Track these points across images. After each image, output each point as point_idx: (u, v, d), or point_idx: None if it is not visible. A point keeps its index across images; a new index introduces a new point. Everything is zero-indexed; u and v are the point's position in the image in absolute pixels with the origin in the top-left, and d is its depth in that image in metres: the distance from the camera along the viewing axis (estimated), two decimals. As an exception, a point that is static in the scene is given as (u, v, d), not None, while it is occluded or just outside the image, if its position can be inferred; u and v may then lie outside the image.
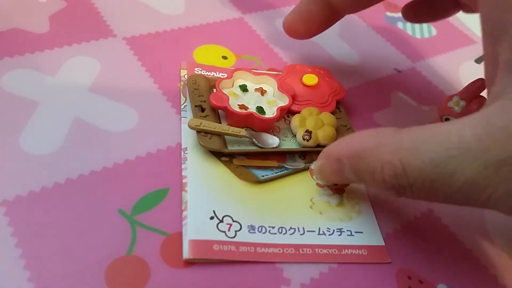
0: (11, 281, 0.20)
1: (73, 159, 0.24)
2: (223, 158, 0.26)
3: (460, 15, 0.33)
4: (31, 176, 0.23)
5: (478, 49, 0.41)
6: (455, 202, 0.19)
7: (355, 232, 0.25)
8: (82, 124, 0.26)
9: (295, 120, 0.28)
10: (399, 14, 0.41)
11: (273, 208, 0.25)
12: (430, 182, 0.19)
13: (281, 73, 0.31)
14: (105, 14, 0.33)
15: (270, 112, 0.28)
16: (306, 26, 0.31)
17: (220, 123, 0.27)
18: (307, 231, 0.24)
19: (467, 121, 0.19)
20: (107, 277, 0.21)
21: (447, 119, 0.30)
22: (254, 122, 0.27)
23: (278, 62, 0.34)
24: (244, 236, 0.23)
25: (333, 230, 0.25)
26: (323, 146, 0.27)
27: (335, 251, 0.24)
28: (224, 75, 0.31)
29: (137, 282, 0.21)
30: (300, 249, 0.23)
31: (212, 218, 0.23)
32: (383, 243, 0.25)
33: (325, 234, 0.24)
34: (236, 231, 0.23)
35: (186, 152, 0.26)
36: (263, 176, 0.26)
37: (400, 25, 0.42)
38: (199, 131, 0.26)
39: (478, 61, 0.39)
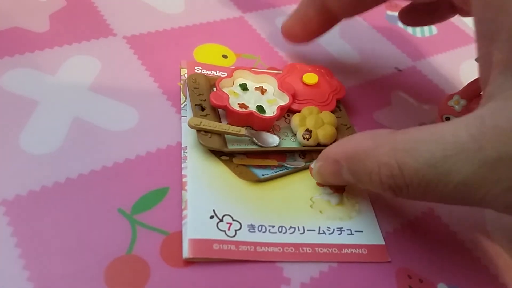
0: (11, 280, 0.20)
1: (73, 158, 0.24)
2: (223, 157, 0.26)
3: (461, 14, 0.33)
4: (31, 176, 0.23)
5: (478, 48, 0.41)
6: (451, 201, 0.20)
7: (355, 231, 0.25)
8: (82, 123, 0.26)
9: (295, 119, 0.28)
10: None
11: (273, 207, 0.25)
12: (426, 182, 0.19)
13: (281, 72, 0.31)
14: (105, 13, 0.33)
15: (270, 111, 0.27)
16: (304, 31, 0.31)
17: (220, 122, 0.27)
18: (307, 230, 0.24)
19: (462, 121, 0.19)
20: (106, 277, 0.21)
21: (447, 118, 0.30)
22: (254, 121, 0.27)
23: (278, 61, 0.34)
24: (244, 235, 0.23)
25: (333, 229, 0.25)
26: (323, 145, 0.27)
27: (335, 250, 0.24)
28: (224, 74, 0.31)
29: (137, 282, 0.21)
30: (300, 248, 0.23)
31: (212, 217, 0.23)
32: (383, 242, 0.25)
33: (325, 233, 0.24)
34: (236, 230, 0.23)
35: (186, 151, 0.26)
36: (263, 175, 0.26)
37: (400, 24, 0.42)
38: (199, 130, 0.26)
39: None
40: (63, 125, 0.26)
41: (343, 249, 0.24)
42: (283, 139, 0.27)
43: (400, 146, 0.20)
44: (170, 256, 0.22)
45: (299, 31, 0.31)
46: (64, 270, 0.20)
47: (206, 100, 0.28)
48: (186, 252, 0.22)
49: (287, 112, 0.29)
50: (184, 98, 0.29)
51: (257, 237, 0.23)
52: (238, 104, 0.27)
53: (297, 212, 0.25)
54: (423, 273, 0.24)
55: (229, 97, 0.27)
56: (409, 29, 0.42)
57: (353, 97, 0.33)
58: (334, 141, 0.27)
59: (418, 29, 0.42)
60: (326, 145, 0.26)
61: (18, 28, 0.30)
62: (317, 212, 0.25)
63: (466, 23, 0.44)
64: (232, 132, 0.26)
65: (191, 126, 0.25)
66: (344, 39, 0.38)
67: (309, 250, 0.24)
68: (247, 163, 0.26)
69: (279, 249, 0.23)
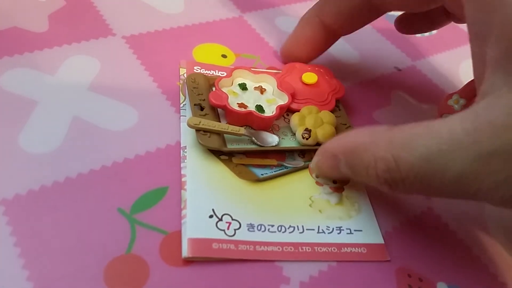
0: (10, 280, 0.20)
1: (72, 158, 0.24)
2: (223, 157, 0.26)
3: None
4: (30, 175, 0.23)
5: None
6: (447, 195, 0.20)
7: (355, 230, 0.25)
8: (82, 123, 0.26)
9: (294, 118, 0.28)
10: (399, 13, 0.41)
11: (272, 206, 0.25)
12: (422, 176, 0.19)
13: (280, 71, 0.31)
14: (105, 13, 0.33)
15: (270, 111, 0.27)
16: (304, 51, 0.32)
17: (220, 121, 0.27)
18: (307, 229, 0.24)
19: (457, 117, 0.19)
20: (106, 276, 0.21)
21: (447, 117, 0.30)
22: (253, 121, 0.27)
23: (278, 61, 0.34)
24: (243, 235, 0.23)
25: (333, 228, 0.25)
26: (323, 145, 0.27)
27: (334, 249, 0.24)
28: (223, 74, 0.31)
29: (136, 281, 0.21)
30: (300, 247, 0.23)
31: (211, 216, 0.23)
32: (382, 241, 0.25)
33: (324, 232, 0.24)
34: (235, 230, 0.23)
35: (185, 150, 0.26)
36: (262, 174, 0.26)
37: (400, 23, 0.42)
38: (198, 130, 0.26)
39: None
40: (62, 124, 0.26)
41: (343, 248, 0.24)
42: (282, 138, 0.27)
43: (396, 141, 0.20)
44: (170, 255, 0.22)
45: (299, 52, 0.32)
46: (64, 270, 0.20)
47: (205, 99, 0.28)
48: (186, 252, 0.22)
49: (286, 111, 0.29)
50: (183, 97, 0.29)
51: (257, 236, 0.23)
52: (237, 103, 0.27)
53: (296, 211, 0.25)
54: (423, 272, 0.24)
55: (228, 96, 0.27)
56: (409, 29, 0.42)
57: (353, 97, 0.33)
58: (333, 140, 0.27)
59: (417, 28, 0.42)
60: (325, 144, 0.26)
61: (17, 28, 0.30)
62: (316, 211, 0.25)
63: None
64: (232, 131, 0.26)
65: (190, 126, 0.25)
66: (343, 38, 0.37)
67: (309, 249, 0.24)
68: (246, 162, 0.26)
69: (279, 248, 0.23)
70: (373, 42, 0.39)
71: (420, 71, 0.38)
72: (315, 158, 0.25)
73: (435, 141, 0.19)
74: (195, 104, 0.27)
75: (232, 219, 0.23)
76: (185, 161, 0.25)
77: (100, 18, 0.33)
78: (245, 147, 0.26)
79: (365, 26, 0.31)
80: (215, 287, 0.21)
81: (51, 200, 0.22)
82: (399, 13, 0.38)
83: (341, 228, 0.25)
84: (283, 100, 0.28)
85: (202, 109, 0.27)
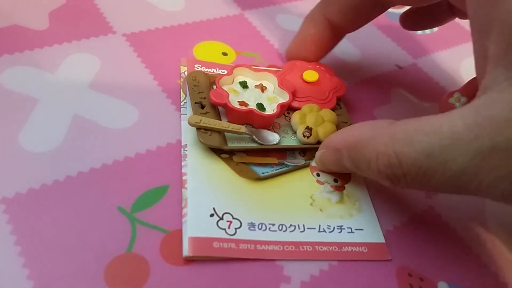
0: (11, 279, 0.20)
1: (72, 156, 0.24)
2: (223, 155, 0.26)
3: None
4: (31, 174, 0.23)
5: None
6: (448, 190, 0.20)
7: (356, 229, 0.25)
8: (82, 121, 0.26)
9: (295, 116, 0.28)
10: (400, 10, 0.41)
11: (273, 205, 0.25)
12: (423, 171, 0.20)
13: (281, 69, 0.31)
14: (105, 10, 0.33)
15: (270, 109, 0.27)
16: (310, 51, 0.31)
17: (220, 120, 0.27)
18: (307, 228, 0.24)
19: (458, 112, 0.19)
20: (106, 275, 0.20)
21: (448, 116, 0.30)
22: (254, 119, 0.27)
23: (279, 59, 0.34)
24: (244, 234, 0.23)
25: (334, 227, 0.25)
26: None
27: (335, 249, 0.24)
28: (224, 72, 0.31)
29: (136, 280, 0.21)
30: (300, 246, 0.23)
31: (212, 215, 0.23)
32: (383, 240, 0.25)
33: (325, 231, 0.24)
34: (236, 229, 0.23)
35: (186, 149, 0.26)
36: (263, 173, 0.26)
37: (401, 21, 0.42)
38: (199, 128, 0.25)
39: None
40: (62, 123, 0.26)
41: (343, 247, 0.24)
42: (283, 137, 0.27)
43: (398, 136, 0.20)
44: (170, 254, 0.22)
45: (306, 52, 0.31)
46: (64, 268, 0.20)
47: (206, 98, 0.28)
48: (186, 251, 0.22)
49: (287, 109, 0.29)
50: (184, 95, 0.29)
51: (257, 235, 0.23)
52: (238, 101, 0.27)
53: (297, 210, 0.25)
54: (424, 271, 0.24)
55: (229, 94, 0.27)
56: (410, 26, 0.42)
57: (353, 94, 0.33)
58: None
59: (418, 26, 0.42)
60: (326, 143, 0.26)
61: (17, 26, 0.30)
62: (317, 210, 0.25)
63: (467, 20, 0.44)
64: (232, 130, 0.26)
65: (191, 124, 0.25)
66: (345, 36, 0.38)
67: (309, 248, 0.24)
68: (247, 161, 0.26)
69: (279, 247, 0.23)
70: (374, 40, 0.39)
71: (421, 69, 0.37)
72: (319, 152, 0.26)
73: (437, 136, 0.19)
74: (195, 102, 0.27)
75: (233, 218, 0.23)
76: (186, 159, 0.25)
77: (100, 16, 0.33)
78: (246, 145, 0.26)
79: (366, 24, 0.31)
80: (215, 286, 0.21)
81: (52, 199, 0.22)
82: (400, 10, 0.38)
83: (342, 227, 0.25)
84: (284, 98, 0.28)
85: (202, 107, 0.27)
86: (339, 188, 0.26)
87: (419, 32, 0.41)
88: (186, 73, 0.30)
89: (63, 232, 0.21)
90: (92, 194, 0.23)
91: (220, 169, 0.25)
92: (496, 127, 0.18)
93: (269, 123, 0.27)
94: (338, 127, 0.28)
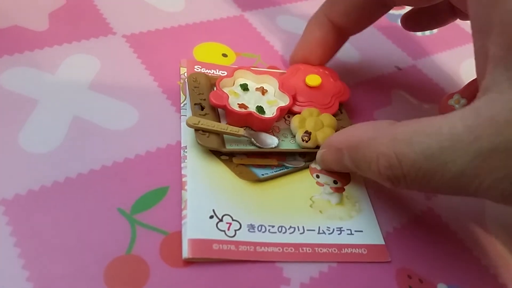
0: (10, 280, 0.20)
1: (72, 157, 0.24)
2: (223, 157, 0.26)
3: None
4: (30, 175, 0.23)
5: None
6: (447, 191, 0.20)
7: (355, 231, 0.25)
8: (82, 122, 0.26)
9: (295, 120, 0.28)
10: (400, 12, 0.41)
11: (273, 207, 0.25)
12: (423, 172, 0.20)
13: (281, 70, 0.31)
14: (105, 11, 0.33)
15: (270, 112, 0.27)
16: (315, 56, 0.31)
17: (220, 122, 0.27)
18: (307, 230, 0.24)
19: (458, 113, 0.19)
20: (106, 276, 0.20)
21: (447, 118, 0.30)
22: (253, 122, 0.27)
23: (278, 60, 0.34)
24: (243, 235, 0.23)
25: (333, 229, 0.25)
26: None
27: (335, 250, 0.24)
28: (224, 73, 0.31)
29: (136, 282, 0.21)
30: (300, 248, 0.23)
31: (211, 217, 0.23)
32: (383, 242, 0.25)
33: (325, 233, 0.24)
34: (235, 230, 0.23)
35: (185, 150, 0.26)
36: (263, 174, 0.26)
37: (401, 22, 0.42)
38: (197, 130, 0.25)
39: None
40: (62, 124, 0.26)
41: (343, 249, 0.24)
42: (282, 140, 0.27)
43: (399, 137, 0.20)
44: (170, 256, 0.22)
45: (311, 57, 0.31)
46: (64, 270, 0.20)
47: (206, 99, 0.27)
48: (186, 252, 0.22)
49: (287, 113, 0.29)
50: (184, 97, 0.29)
51: (257, 237, 0.23)
52: (238, 104, 0.27)
53: (297, 211, 0.25)
54: (423, 273, 0.24)
55: (229, 97, 0.27)
56: (410, 28, 0.42)
57: (353, 96, 0.33)
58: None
59: (418, 27, 0.42)
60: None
61: (17, 26, 0.30)
62: (317, 211, 0.25)
63: (467, 22, 0.44)
64: (231, 132, 0.26)
65: (189, 125, 0.25)
66: (344, 37, 0.38)
67: (309, 250, 0.24)
68: (247, 162, 0.26)
69: (279, 249, 0.23)
70: (374, 41, 0.39)
71: (421, 71, 0.38)
72: (320, 151, 0.26)
73: (437, 138, 0.19)
74: (195, 104, 0.27)
75: (233, 220, 0.23)
76: (186, 161, 0.25)
77: (100, 16, 0.33)
78: (244, 148, 0.26)
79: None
80: (215, 287, 0.21)
81: (51, 200, 0.22)
82: (400, 11, 0.38)
83: (342, 229, 0.25)
84: (285, 101, 0.28)
85: (202, 108, 0.27)
86: (339, 190, 0.26)
87: (419, 33, 0.41)
88: (186, 74, 0.30)
89: (62, 233, 0.21)
90: (91, 196, 0.23)
91: (219, 170, 0.25)
92: (496, 128, 0.18)
93: (268, 126, 0.27)
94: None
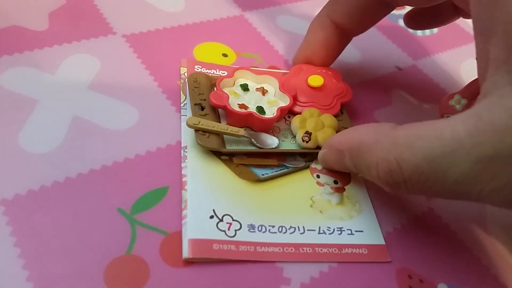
0: (10, 280, 0.20)
1: (72, 157, 0.24)
2: (223, 157, 0.26)
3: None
4: (30, 175, 0.23)
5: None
6: (449, 196, 0.20)
7: (356, 231, 0.25)
8: (82, 122, 0.26)
9: (295, 121, 0.28)
10: (401, 12, 0.41)
11: (273, 207, 0.25)
12: (424, 178, 0.19)
13: (282, 70, 0.31)
14: (105, 11, 0.33)
15: (270, 112, 0.27)
16: (319, 56, 0.31)
17: (220, 122, 0.27)
18: (307, 230, 0.24)
19: (459, 117, 0.19)
20: (106, 276, 0.20)
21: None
22: (253, 122, 0.27)
23: (279, 60, 0.34)
24: (244, 235, 0.23)
25: (334, 229, 0.25)
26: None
27: (335, 250, 0.24)
28: (224, 73, 0.31)
29: (136, 282, 0.21)
30: (300, 248, 0.23)
31: (212, 217, 0.23)
32: (383, 242, 0.25)
33: (325, 233, 0.24)
34: (236, 230, 0.23)
35: (186, 150, 0.26)
36: (263, 174, 0.26)
37: (401, 22, 0.42)
38: (197, 130, 0.25)
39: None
40: (62, 124, 0.26)
41: (343, 249, 0.24)
42: (282, 140, 0.27)
43: (400, 142, 0.20)
44: (170, 256, 0.22)
45: (315, 59, 0.31)
46: (64, 270, 0.20)
47: (206, 99, 0.27)
48: (186, 252, 0.22)
49: (288, 114, 0.29)
50: (184, 97, 0.29)
51: (257, 237, 0.23)
52: (238, 104, 0.27)
53: (297, 211, 0.25)
54: (424, 273, 0.24)
55: (229, 97, 0.27)
56: (410, 28, 0.42)
57: (354, 96, 0.33)
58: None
59: (419, 27, 0.42)
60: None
61: (17, 26, 0.30)
62: (317, 211, 0.25)
63: (467, 22, 0.44)
64: (231, 132, 0.26)
65: (189, 125, 0.25)
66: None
67: (309, 250, 0.23)
68: (247, 162, 0.26)
69: (279, 249, 0.23)
70: (374, 41, 0.39)
71: (421, 71, 0.37)
72: (322, 151, 0.26)
73: (438, 142, 0.19)
74: (195, 104, 0.27)
75: (233, 220, 0.23)
76: (186, 161, 0.25)
77: (100, 16, 0.33)
78: (244, 148, 0.26)
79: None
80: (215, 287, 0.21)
81: (51, 200, 0.22)
82: (400, 12, 0.38)
83: (342, 229, 0.25)
84: (285, 102, 0.28)
85: (202, 109, 0.27)
86: (339, 190, 0.26)
87: (419, 33, 0.41)
88: (186, 74, 0.30)
89: (62, 233, 0.21)
90: (91, 196, 0.23)
91: (220, 170, 0.25)
92: (497, 134, 0.18)
93: (269, 126, 0.27)
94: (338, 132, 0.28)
